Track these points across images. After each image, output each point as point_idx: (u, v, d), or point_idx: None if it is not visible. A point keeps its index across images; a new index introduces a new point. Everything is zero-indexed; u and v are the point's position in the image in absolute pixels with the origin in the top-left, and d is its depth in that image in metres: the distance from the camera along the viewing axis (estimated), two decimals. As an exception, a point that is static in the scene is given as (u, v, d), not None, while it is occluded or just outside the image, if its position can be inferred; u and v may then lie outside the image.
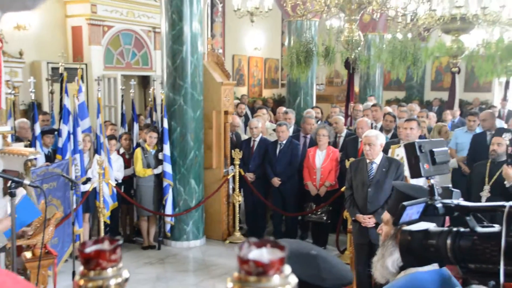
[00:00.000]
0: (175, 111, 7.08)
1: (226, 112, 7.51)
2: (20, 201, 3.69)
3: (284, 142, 7.31)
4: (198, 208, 7.26)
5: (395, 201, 1.96)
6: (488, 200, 5.48)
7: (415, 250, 1.64)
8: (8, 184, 3.27)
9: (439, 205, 1.62)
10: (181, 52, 6.97)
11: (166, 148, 7.00)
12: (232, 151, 7.40)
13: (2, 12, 3.74)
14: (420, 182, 3.25)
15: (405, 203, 1.62)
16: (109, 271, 0.84)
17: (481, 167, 5.75)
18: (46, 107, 8.86)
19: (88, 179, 6.48)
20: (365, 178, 4.91)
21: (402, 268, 1.82)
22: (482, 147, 6.64)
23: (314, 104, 10.91)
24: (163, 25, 7.10)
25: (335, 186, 6.97)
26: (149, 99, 8.53)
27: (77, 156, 6.24)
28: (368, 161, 4.93)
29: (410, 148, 1.76)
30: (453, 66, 10.15)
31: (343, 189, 6.07)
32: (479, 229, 1.49)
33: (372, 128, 7.17)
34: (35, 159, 5.17)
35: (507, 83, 13.08)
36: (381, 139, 4.95)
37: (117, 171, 6.98)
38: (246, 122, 9.18)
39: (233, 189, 7.57)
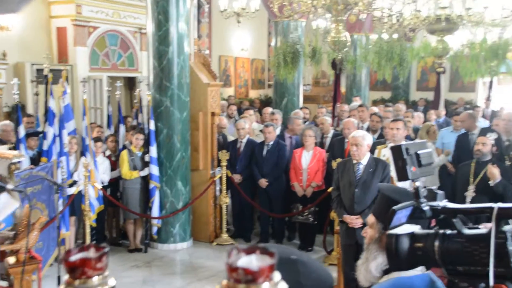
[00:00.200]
0: (162, 113, 7.04)
1: (213, 114, 7.48)
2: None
3: (271, 143, 7.30)
4: (185, 210, 7.22)
5: (380, 204, 1.95)
6: (473, 199, 5.53)
7: (401, 254, 1.64)
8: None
9: (426, 208, 1.62)
10: (167, 53, 6.94)
11: (153, 150, 6.95)
12: (219, 152, 7.38)
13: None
14: (407, 184, 3.26)
15: (394, 207, 1.60)
16: (95, 279, 0.83)
17: (465, 167, 5.81)
18: (30, 109, 8.75)
19: (75, 182, 6.41)
20: (352, 179, 4.92)
21: (386, 272, 1.81)
22: (465, 147, 6.72)
23: (301, 105, 10.91)
24: (149, 26, 7.06)
25: (322, 186, 6.96)
26: (135, 101, 8.47)
27: (63, 158, 6.18)
28: (355, 161, 4.94)
29: (396, 151, 1.75)
30: (438, 66, 10.26)
31: (330, 189, 6.08)
32: (467, 231, 1.50)
33: (358, 128, 7.19)
34: (19, 162, 5.08)
35: (491, 83, 13.23)
36: (368, 139, 4.97)
37: (103, 173, 6.91)
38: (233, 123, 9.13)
39: (220, 191, 7.54)
